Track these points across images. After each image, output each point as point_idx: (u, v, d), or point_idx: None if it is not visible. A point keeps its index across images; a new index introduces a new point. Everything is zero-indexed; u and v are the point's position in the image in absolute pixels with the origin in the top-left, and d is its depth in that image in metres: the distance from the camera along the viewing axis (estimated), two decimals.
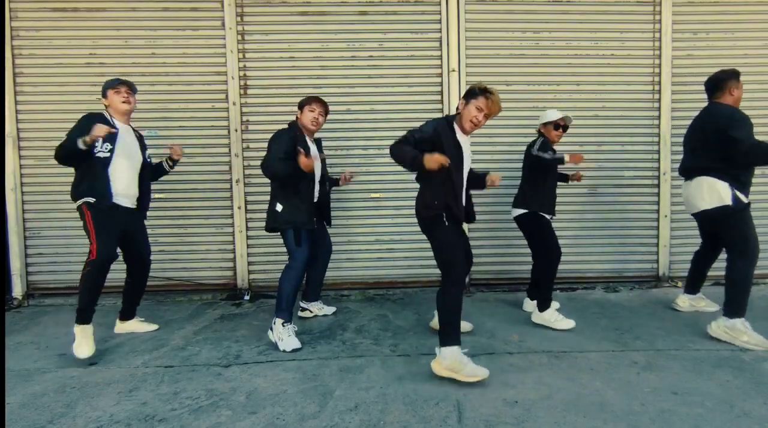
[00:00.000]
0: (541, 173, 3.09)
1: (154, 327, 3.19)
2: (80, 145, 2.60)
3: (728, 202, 2.76)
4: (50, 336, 3.05)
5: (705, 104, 2.95)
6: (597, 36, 3.99)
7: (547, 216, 3.13)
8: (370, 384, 2.31)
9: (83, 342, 2.67)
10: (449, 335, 2.31)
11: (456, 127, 2.47)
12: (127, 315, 3.17)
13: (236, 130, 3.89)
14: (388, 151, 2.41)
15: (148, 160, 3.04)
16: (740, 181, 2.77)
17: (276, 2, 3.90)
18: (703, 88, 2.99)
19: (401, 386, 2.27)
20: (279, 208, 2.89)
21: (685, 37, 4.00)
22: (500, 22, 3.96)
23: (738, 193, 2.75)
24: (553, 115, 3.08)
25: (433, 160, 2.21)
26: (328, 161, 3.92)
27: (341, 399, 2.16)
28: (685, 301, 3.39)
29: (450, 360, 2.28)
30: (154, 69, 3.87)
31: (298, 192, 2.89)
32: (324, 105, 3.08)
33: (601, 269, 4.08)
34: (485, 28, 3.95)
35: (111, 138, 2.79)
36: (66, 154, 2.67)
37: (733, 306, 2.74)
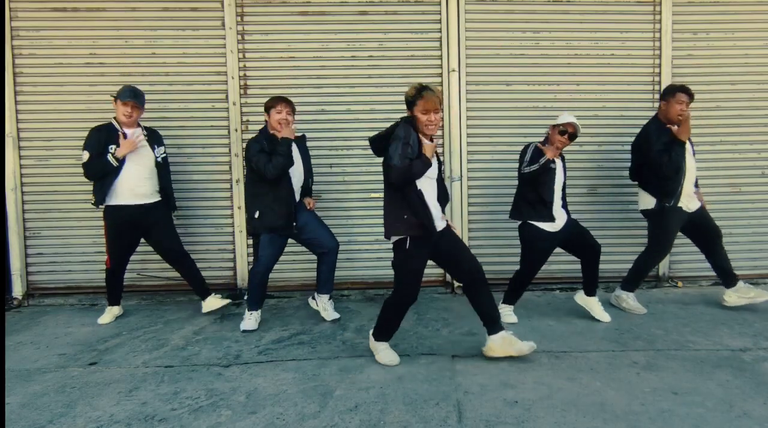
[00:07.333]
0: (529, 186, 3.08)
1: (225, 301, 3.44)
2: (113, 162, 3.07)
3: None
4: (50, 336, 3.06)
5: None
6: (597, 36, 3.98)
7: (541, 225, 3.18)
8: (370, 384, 2.31)
9: (106, 315, 3.34)
10: (381, 332, 2.60)
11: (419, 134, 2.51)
12: (200, 293, 3.45)
13: (236, 130, 3.89)
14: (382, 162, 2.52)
15: (158, 158, 3.28)
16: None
17: (276, 2, 3.89)
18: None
19: (401, 386, 2.28)
20: (257, 215, 3.02)
21: (685, 37, 3.99)
22: (500, 22, 3.95)
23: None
24: (563, 119, 3.00)
25: (429, 148, 2.48)
26: (330, 162, 3.94)
27: (341, 399, 2.17)
28: (731, 296, 3.35)
29: (377, 346, 2.61)
30: (154, 69, 3.86)
31: (277, 197, 3.00)
32: (290, 103, 3.11)
33: (601, 269, 4.02)
34: (485, 28, 3.94)
35: (118, 142, 3.12)
36: (99, 173, 3.10)
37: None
